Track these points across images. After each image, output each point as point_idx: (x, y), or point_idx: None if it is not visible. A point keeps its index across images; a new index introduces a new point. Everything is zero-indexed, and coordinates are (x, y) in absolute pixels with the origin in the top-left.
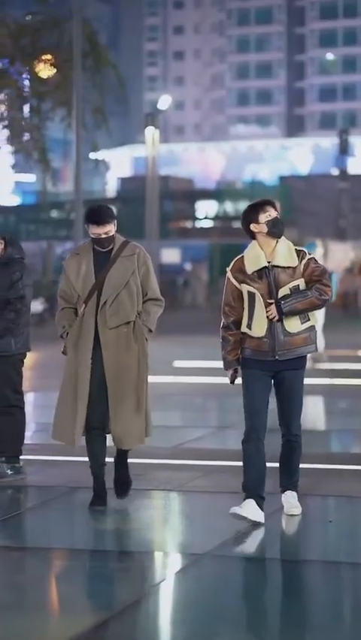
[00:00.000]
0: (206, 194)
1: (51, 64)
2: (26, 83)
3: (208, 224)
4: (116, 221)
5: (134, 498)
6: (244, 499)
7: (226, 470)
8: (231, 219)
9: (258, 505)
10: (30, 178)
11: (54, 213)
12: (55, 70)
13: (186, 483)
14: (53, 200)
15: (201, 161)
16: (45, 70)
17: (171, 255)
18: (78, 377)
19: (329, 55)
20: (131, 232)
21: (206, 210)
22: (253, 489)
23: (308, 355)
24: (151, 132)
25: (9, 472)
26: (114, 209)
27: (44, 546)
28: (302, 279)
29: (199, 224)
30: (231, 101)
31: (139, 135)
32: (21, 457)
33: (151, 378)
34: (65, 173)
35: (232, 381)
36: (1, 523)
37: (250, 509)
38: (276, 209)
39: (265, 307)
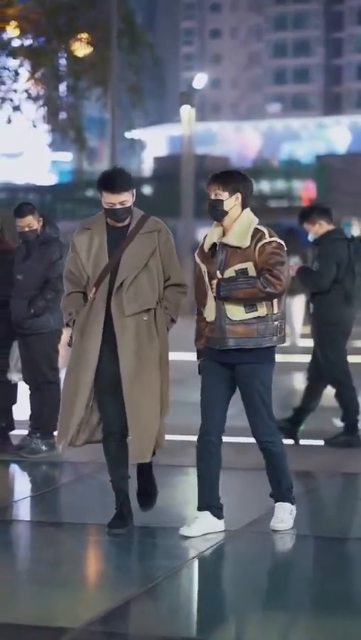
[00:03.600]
0: None
1: (87, 43)
2: (62, 61)
3: None
4: (134, 191)
5: (169, 475)
6: (197, 510)
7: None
8: (267, 198)
9: (214, 515)
10: (66, 157)
11: (90, 192)
12: (91, 49)
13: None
14: (88, 179)
15: (237, 139)
16: (81, 49)
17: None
18: (81, 368)
19: None
20: (167, 211)
21: None
22: (204, 500)
23: None
24: (187, 111)
25: (44, 448)
26: (150, 188)
27: (79, 521)
28: (251, 263)
29: None
30: (268, 79)
31: (175, 114)
32: (55, 433)
33: (186, 355)
34: (101, 152)
35: (200, 372)
36: (36, 499)
37: (202, 525)
38: (225, 189)
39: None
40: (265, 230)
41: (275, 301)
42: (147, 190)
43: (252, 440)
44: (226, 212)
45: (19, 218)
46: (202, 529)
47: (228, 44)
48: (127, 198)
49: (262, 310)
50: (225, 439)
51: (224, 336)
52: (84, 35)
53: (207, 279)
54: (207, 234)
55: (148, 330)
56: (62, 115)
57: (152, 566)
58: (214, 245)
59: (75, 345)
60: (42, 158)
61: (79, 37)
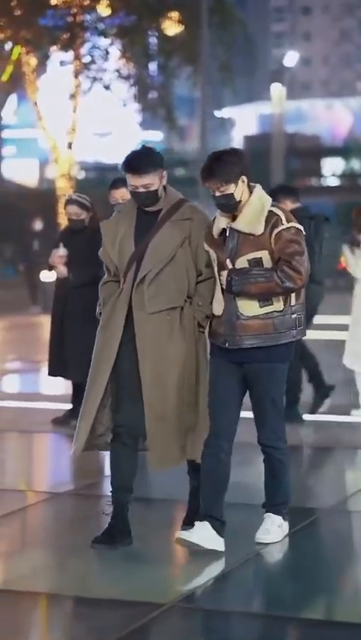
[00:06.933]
0: (333, 152)
1: (178, 22)
2: (153, 40)
3: (335, 181)
4: (164, 172)
5: (252, 453)
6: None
7: (340, 425)
8: (358, 177)
9: (214, 528)
10: (156, 136)
11: (179, 171)
12: (181, 28)
13: (302, 438)
14: (178, 158)
15: (328, 117)
16: (172, 28)
17: None
18: (97, 366)
19: None
20: None
21: (333, 168)
22: (205, 508)
23: None
24: (277, 89)
25: None
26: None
27: (168, 498)
28: (267, 252)
29: (326, 182)
30: (360, 55)
31: (265, 92)
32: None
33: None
34: (191, 131)
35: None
36: None
37: (200, 534)
38: (228, 181)
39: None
40: (282, 214)
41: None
42: None
43: (332, 418)
44: (240, 202)
45: (114, 190)
46: (200, 539)
47: (319, 21)
48: (151, 181)
49: (278, 304)
50: (304, 417)
51: (234, 334)
52: (174, 13)
53: (216, 269)
54: (216, 217)
55: (171, 331)
56: (152, 94)
57: (241, 544)
58: (225, 230)
59: (97, 340)
60: (132, 137)
61: (169, 15)
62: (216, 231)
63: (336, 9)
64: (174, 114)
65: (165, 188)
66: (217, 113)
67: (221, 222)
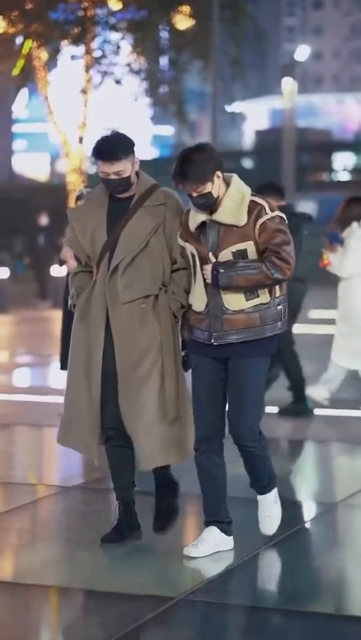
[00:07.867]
0: (344, 146)
1: (189, 16)
2: (164, 34)
3: (346, 176)
4: (136, 159)
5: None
6: (205, 526)
7: (350, 420)
8: None
9: (222, 530)
10: (167, 130)
11: None
12: (192, 22)
13: (317, 433)
14: None
15: (339, 112)
16: (183, 22)
17: (307, 209)
18: (90, 366)
19: None
20: None
21: (344, 162)
22: (210, 514)
23: None
24: (289, 83)
25: None
26: (251, 162)
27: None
28: (251, 243)
29: (337, 177)
30: None
31: (276, 87)
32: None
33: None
34: (202, 126)
35: (186, 368)
36: (136, 470)
37: (209, 542)
38: (204, 181)
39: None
40: (265, 203)
41: None
42: (247, 164)
43: (350, 413)
44: (218, 197)
45: None
46: (210, 549)
47: (330, 15)
48: (123, 168)
49: (264, 297)
50: (321, 412)
51: (220, 329)
52: (185, 8)
53: (198, 263)
54: (190, 211)
55: (145, 320)
56: (163, 88)
57: (248, 537)
58: (203, 223)
59: (75, 332)
60: (143, 131)
61: (180, 9)
62: (193, 225)
63: (347, 3)
64: (184, 109)
65: (137, 174)
66: (228, 108)
67: (198, 216)
